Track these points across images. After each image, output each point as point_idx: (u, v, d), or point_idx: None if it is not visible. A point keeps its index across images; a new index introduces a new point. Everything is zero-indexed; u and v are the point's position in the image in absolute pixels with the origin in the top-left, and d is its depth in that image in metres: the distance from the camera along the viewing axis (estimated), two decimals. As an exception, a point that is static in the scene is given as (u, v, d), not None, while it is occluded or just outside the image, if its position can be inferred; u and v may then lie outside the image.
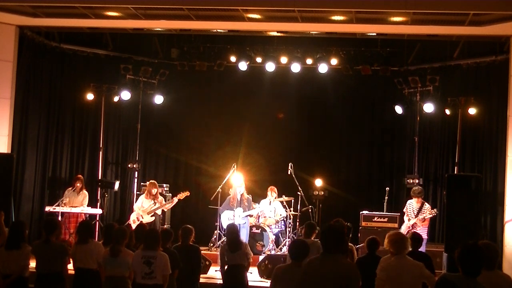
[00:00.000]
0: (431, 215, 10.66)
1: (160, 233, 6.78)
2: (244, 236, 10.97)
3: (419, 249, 7.49)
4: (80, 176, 11.85)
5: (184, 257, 7.21)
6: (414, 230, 10.25)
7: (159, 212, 11.46)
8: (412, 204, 10.75)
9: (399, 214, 11.28)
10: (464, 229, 9.12)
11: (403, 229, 10.40)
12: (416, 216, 10.57)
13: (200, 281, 8.03)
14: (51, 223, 7.05)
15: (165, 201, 11.76)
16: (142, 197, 11.58)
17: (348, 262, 5.04)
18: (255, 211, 11.72)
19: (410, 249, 6.46)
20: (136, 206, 11.57)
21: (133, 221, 11.22)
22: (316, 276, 4.66)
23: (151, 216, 11.32)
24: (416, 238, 7.47)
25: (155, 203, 11.38)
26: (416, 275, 5.86)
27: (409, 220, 10.63)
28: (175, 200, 11.58)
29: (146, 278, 6.30)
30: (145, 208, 11.34)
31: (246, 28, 11.36)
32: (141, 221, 10.84)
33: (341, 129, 13.77)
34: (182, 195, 11.62)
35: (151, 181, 11.81)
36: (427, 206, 10.75)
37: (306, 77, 13.23)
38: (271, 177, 12.97)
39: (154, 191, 11.45)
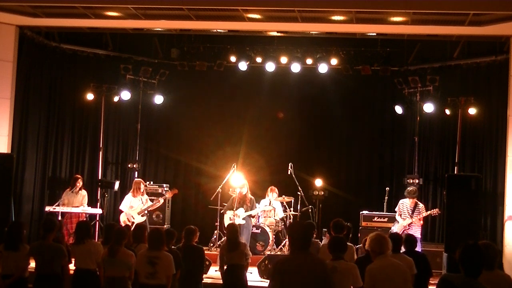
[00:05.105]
0: (427, 214, 10.64)
1: (164, 233, 6.78)
2: (245, 237, 10.95)
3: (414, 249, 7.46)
4: (79, 176, 11.79)
5: (186, 257, 7.21)
6: (410, 230, 10.28)
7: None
8: (405, 204, 10.70)
9: (399, 214, 11.28)
10: (464, 229, 9.13)
11: (398, 229, 10.37)
12: (411, 215, 10.56)
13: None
14: (49, 222, 7.01)
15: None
16: (129, 196, 11.42)
17: (319, 258, 5.02)
18: (255, 211, 11.71)
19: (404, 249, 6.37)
20: (124, 206, 11.37)
21: (124, 222, 10.95)
22: (291, 274, 4.66)
23: (142, 216, 11.27)
24: (409, 239, 7.44)
25: (142, 201, 11.35)
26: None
27: (404, 220, 10.58)
28: (161, 200, 11.69)
29: (149, 278, 6.29)
30: (135, 208, 11.28)
31: (246, 28, 11.36)
32: (138, 223, 10.79)
33: (341, 129, 13.75)
34: (171, 194, 11.75)
35: (137, 179, 11.83)
36: (421, 205, 10.74)
37: (306, 77, 13.23)
38: (271, 177, 12.97)
39: (141, 188, 11.43)
